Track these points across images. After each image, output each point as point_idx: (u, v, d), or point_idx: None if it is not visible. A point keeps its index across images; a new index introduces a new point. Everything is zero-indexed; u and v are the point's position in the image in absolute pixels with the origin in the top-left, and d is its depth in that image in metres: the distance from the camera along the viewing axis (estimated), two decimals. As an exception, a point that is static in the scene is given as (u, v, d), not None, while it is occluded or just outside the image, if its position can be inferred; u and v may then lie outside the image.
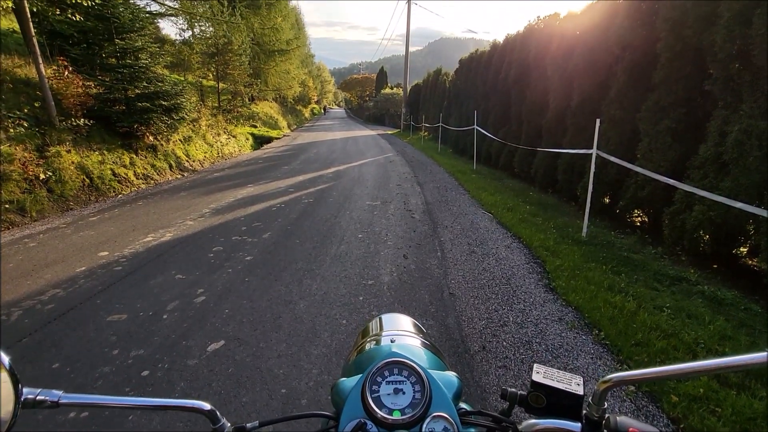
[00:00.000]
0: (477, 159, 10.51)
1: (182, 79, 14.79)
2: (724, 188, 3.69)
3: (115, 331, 2.77)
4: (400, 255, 4.18)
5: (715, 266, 4.14)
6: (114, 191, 7.57)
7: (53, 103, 7.25)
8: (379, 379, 0.62)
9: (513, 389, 0.60)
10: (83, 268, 3.87)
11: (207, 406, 0.52)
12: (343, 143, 16.96)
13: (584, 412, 0.51)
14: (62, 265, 3.93)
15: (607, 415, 0.48)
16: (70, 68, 7.98)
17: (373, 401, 0.59)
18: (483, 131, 9.66)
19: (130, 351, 2.54)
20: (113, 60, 8.80)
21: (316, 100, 56.33)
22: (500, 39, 10.52)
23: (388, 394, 0.60)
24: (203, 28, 16.97)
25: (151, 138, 9.67)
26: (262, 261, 4.00)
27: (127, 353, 2.52)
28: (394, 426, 0.56)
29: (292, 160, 11.86)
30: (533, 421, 0.52)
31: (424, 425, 0.56)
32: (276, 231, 4.98)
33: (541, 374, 0.57)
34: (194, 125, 12.69)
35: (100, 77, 8.43)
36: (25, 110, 6.94)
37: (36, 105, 7.27)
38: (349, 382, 0.65)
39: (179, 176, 9.56)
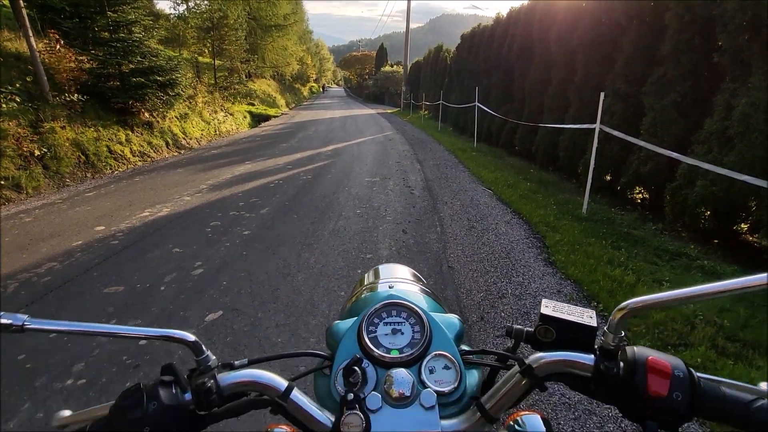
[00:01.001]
0: (477, 137, 10.37)
1: (177, 54, 14.45)
2: (728, 163, 3.63)
3: (112, 302, 2.76)
4: (399, 230, 4.15)
5: (715, 242, 4.12)
6: (110, 168, 7.49)
7: (45, 78, 7.08)
8: (376, 320, 0.59)
9: (519, 326, 0.55)
10: (80, 242, 3.84)
11: (191, 336, 0.48)
12: (342, 122, 16.73)
13: (598, 344, 0.47)
14: (58, 239, 3.91)
15: (623, 344, 0.44)
16: (62, 42, 7.76)
17: (370, 341, 0.56)
18: (484, 108, 9.50)
19: (128, 321, 2.54)
20: (106, 34, 8.55)
21: (314, 78, 55.37)
22: (503, 12, 10.23)
23: (386, 335, 0.57)
24: (198, 1, 16.47)
25: (146, 114, 9.51)
26: (259, 235, 3.98)
27: (124, 324, 2.51)
28: (392, 364, 0.53)
29: (291, 138, 11.71)
30: (542, 354, 0.48)
31: (424, 363, 0.54)
32: (274, 207, 4.94)
33: (550, 308, 0.52)
34: (190, 102, 12.48)
35: (93, 51, 8.21)
36: (17, 85, 6.78)
37: (28, 80, 7.10)
38: (345, 324, 0.62)
39: (176, 153, 9.45)
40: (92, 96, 8.04)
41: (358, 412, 0.47)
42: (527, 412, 0.70)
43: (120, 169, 7.57)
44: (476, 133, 10.30)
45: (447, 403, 0.51)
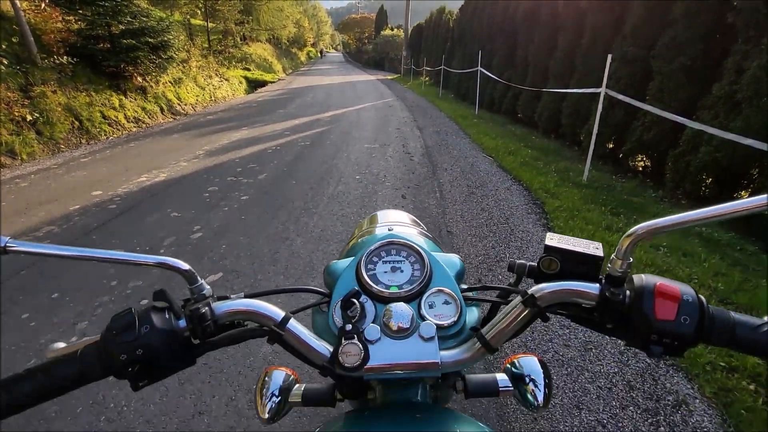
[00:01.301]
0: (479, 104, 10.15)
1: (168, 15, 13.87)
2: (734, 128, 3.56)
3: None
4: (398, 195, 4.13)
5: (715, 208, 4.11)
6: (105, 134, 7.35)
7: (32, 39, 6.81)
8: (375, 258, 0.58)
9: (522, 260, 0.54)
10: (77, 206, 3.82)
11: (185, 265, 0.47)
12: (341, 88, 16.32)
13: (604, 272, 0.45)
14: (55, 204, 3.89)
15: (629, 272, 0.43)
16: (47, 0, 7.42)
17: (369, 277, 0.55)
18: (487, 73, 9.24)
19: (129, 282, 2.56)
20: (93, -9, 8.16)
21: (312, 42, 53.57)
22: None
23: (385, 272, 0.57)
24: (188, -43, 15.65)
25: (139, 79, 9.25)
26: (258, 200, 3.95)
27: (125, 284, 2.54)
28: (390, 299, 0.52)
29: (288, 104, 11.46)
30: (545, 284, 0.46)
31: (424, 298, 0.53)
32: (272, 172, 4.89)
33: (555, 240, 0.51)
34: (184, 66, 12.11)
35: (80, 11, 7.86)
36: (4, 46, 6.53)
37: (14, 41, 6.84)
38: (343, 263, 0.62)
39: (171, 119, 9.27)
40: (82, 59, 7.77)
41: (357, 342, 0.46)
42: (524, 355, 0.70)
43: (115, 135, 7.44)
44: (478, 100, 10.07)
45: (446, 336, 0.51)
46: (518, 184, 4.60)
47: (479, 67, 9.53)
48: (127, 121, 8.34)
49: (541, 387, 0.65)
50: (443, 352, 0.49)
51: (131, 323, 0.42)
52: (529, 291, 0.47)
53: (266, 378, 0.72)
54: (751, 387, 1.80)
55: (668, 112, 3.89)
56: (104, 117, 7.78)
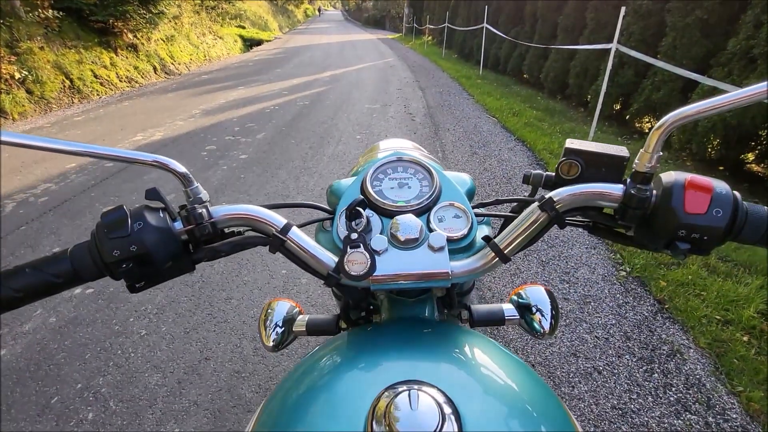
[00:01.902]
0: (484, 64, 9.81)
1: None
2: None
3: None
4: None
5: (721, 168, 4.07)
6: (97, 93, 7.15)
7: (14, -12, 6.47)
8: (381, 176, 0.55)
9: (538, 170, 0.51)
10: (73, 164, 3.77)
11: (180, 167, 0.45)
12: (340, 47, 15.73)
13: (631, 170, 0.42)
14: (51, 162, 3.83)
15: (658, 170, 0.40)
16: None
17: (375, 192, 0.52)
18: (493, 30, 8.86)
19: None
20: (74, -64, 7.66)
21: (309, -1, 51.14)
22: None
23: (392, 188, 0.54)
24: None
25: (129, 35, 8.89)
26: (257, 159, 3.89)
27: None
28: (398, 213, 0.50)
29: (285, 63, 11.08)
30: (564, 188, 0.43)
31: (433, 211, 0.51)
32: (270, 131, 4.78)
33: (576, 144, 0.48)
34: (176, 23, 11.62)
35: (62, -41, 7.41)
36: (-17, -3, 6.21)
37: (-5, -9, 6.49)
38: (347, 181, 0.59)
39: (164, 79, 9.00)
40: (69, 13, 7.42)
41: (363, 251, 0.44)
42: (531, 285, 0.71)
43: (107, 95, 7.24)
44: (482, 59, 9.72)
45: (457, 250, 0.49)
46: (522, 144, 4.51)
47: (485, 24, 9.13)
48: (120, 81, 8.09)
49: (548, 316, 0.66)
50: (454, 263, 0.47)
51: (123, 219, 0.40)
52: (547, 195, 0.44)
53: (269, 309, 0.72)
54: (745, 338, 1.84)
55: (680, 69, 3.76)
56: (96, 76, 7.54)
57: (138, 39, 9.20)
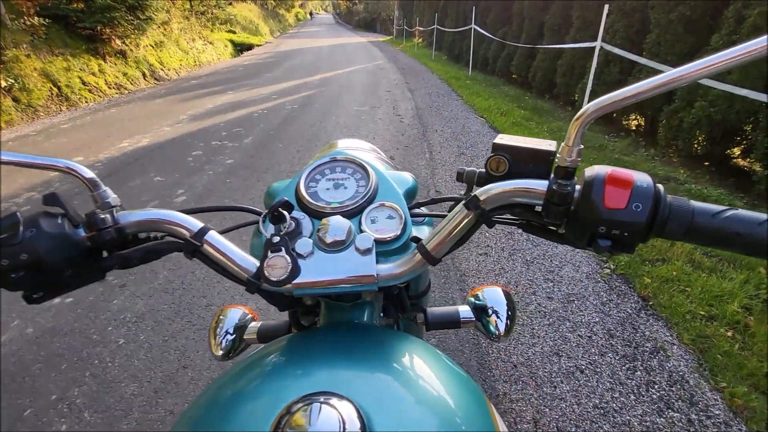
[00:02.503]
0: (473, 65, 9.84)
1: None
2: (730, 80, 3.48)
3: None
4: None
5: (706, 164, 4.10)
6: (85, 101, 7.09)
7: (-1, -2, 6.41)
8: (318, 176, 0.54)
9: (472, 168, 0.49)
10: (56, 173, 3.72)
11: (88, 172, 0.43)
12: (331, 50, 15.74)
13: (555, 165, 0.40)
14: (34, 170, 3.77)
15: (580, 164, 0.38)
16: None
17: (308, 195, 0.51)
18: (481, 30, 8.90)
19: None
20: (59, -57, 7.61)
21: (300, 3, 51.20)
22: None
23: (327, 189, 0.52)
24: None
25: (118, 42, 8.83)
26: (244, 164, 3.87)
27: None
28: (330, 215, 0.48)
29: (276, 67, 11.06)
30: (490, 185, 0.42)
31: (365, 213, 0.49)
32: (258, 136, 4.76)
33: (505, 139, 0.46)
34: (165, 29, 11.56)
35: (48, -34, 7.36)
36: (-33, 5, 6.15)
37: (-22, -1, 6.43)
38: (283, 183, 0.57)
39: (154, 85, 8.95)
40: (56, 20, 7.37)
41: (284, 255, 0.42)
42: (489, 286, 0.71)
43: (95, 102, 7.18)
44: (471, 60, 9.75)
45: (389, 252, 0.47)
46: (510, 144, 4.52)
47: (473, 25, 9.17)
48: (108, 87, 8.03)
49: (504, 317, 0.66)
50: (381, 266, 0.45)
51: (14, 226, 0.38)
52: (473, 192, 0.43)
53: (221, 316, 0.70)
54: (729, 334, 1.84)
55: (664, 65, 3.78)
56: (84, 83, 7.48)
57: (126, 45, 9.15)
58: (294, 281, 0.43)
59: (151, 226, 0.45)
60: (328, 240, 0.45)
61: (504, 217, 0.46)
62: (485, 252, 2.46)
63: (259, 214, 0.55)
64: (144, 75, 9.35)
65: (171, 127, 5.20)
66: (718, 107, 3.68)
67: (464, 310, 0.67)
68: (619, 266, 2.30)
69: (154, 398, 1.50)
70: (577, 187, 0.39)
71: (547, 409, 1.48)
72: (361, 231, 0.47)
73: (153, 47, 10.55)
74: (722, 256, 2.44)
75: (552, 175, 0.40)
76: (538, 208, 0.41)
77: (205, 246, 0.44)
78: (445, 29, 12.61)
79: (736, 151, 4.19)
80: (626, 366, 1.66)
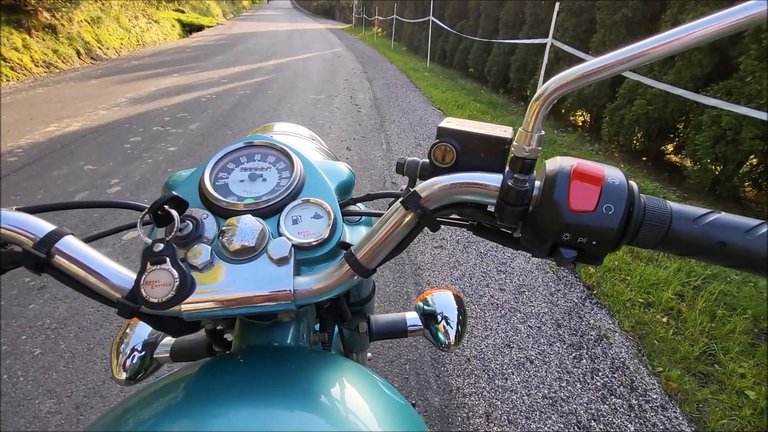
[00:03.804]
0: (431, 57, 9.88)
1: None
2: (666, 81, 3.70)
3: None
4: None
5: (644, 159, 4.36)
6: (6, 78, 6.33)
7: None
8: (231, 165, 0.44)
9: (414, 157, 0.41)
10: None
11: None
12: (288, 35, 15.18)
13: (510, 156, 0.33)
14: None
15: (541, 155, 0.33)
16: None
17: (215, 188, 0.41)
18: (439, 22, 8.93)
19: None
20: None
21: (255, -15, 49.02)
22: None
23: (241, 181, 0.43)
24: None
25: (46, 14, 7.97)
26: (188, 152, 3.61)
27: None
28: (242, 214, 0.39)
29: (227, 50, 10.49)
30: (432, 179, 0.34)
31: (285, 211, 0.40)
32: (205, 122, 4.47)
33: (453, 123, 0.38)
34: (103, 3, 10.60)
35: None
36: None
37: None
38: (188, 172, 0.46)
39: (90, 64, 8.18)
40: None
41: (169, 267, 0.34)
42: (439, 290, 0.65)
43: (19, 80, 6.44)
44: (429, 52, 9.78)
45: (314, 260, 0.39)
46: (466, 136, 4.57)
47: (431, 17, 9.17)
48: (36, 65, 7.24)
49: (454, 324, 0.61)
50: (300, 279, 0.37)
51: None
52: (412, 188, 0.35)
53: (127, 330, 0.59)
54: (664, 320, 1.95)
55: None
56: (5, 59, 6.68)
57: (57, 19, 8.28)
58: (184, 301, 0.34)
59: None
60: (234, 246, 0.36)
61: (450, 218, 0.39)
62: (440, 245, 2.45)
63: (140, 209, 0.43)
64: (78, 53, 8.52)
65: (107, 110, 4.75)
66: (655, 106, 3.92)
67: (412, 317, 0.62)
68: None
69: (74, 415, 1.33)
70: (537, 183, 0.33)
71: (499, 402, 1.48)
72: (280, 234, 0.39)
73: (89, 23, 9.64)
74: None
75: (507, 168, 0.33)
76: (491, 208, 0.34)
77: (57, 257, 0.34)
78: (404, 20, 12.56)
79: (670, 147, 4.50)
80: (573, 355, 1.71)
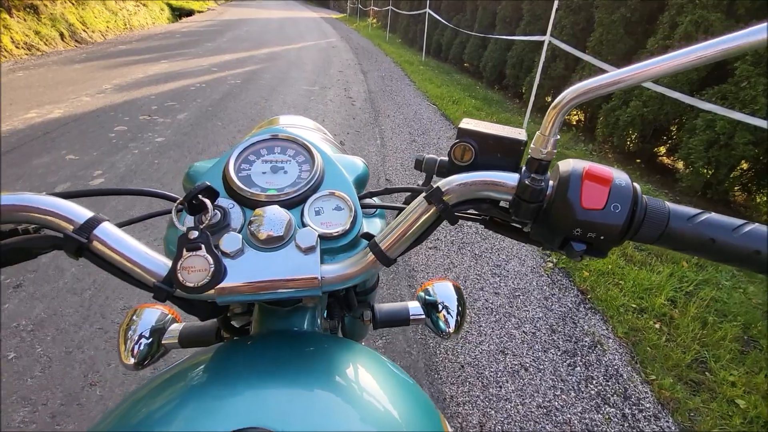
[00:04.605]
0: (427, 51, 9.77)
1: None
2: (662, 84, 3.69)
3: None
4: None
5: (638, 161, 4.37)
6: (-17, 59, 6.08)
7: None
8: (252, 157, 0.46)
9: (432, 155, 0.44)
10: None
11: None
12: (281, 23, 14.89)
13: (527, 156, 0.36)
14: None
15: (555, 157, 0.34)
16: None
17: (239, 179, 0.43)
18: (435, 15, 8.82)
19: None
20: None
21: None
22: None
23: (263, 173, 0.45)
24: None
25: (26, -7, 7.65)
26: (176, 142, 3.50)
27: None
28: (267, 204, 0.41)
29: (218, 36, 10.23)
30: (454, 176, 0.37)
31: (309, 202, 0.42)
32: (194, 112, 4.34)
33: (471, 124, 0.41)
34: (87, -17, 10.22)
35: None
36: None
37: None
38: (208, 163, 0.48)
39: (74, 47, 7.91)
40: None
41: (205, 254, 0.35)
42: (439, 280, 0.68)
43: (-3, 61, 6.19)
44: (425, 46, 9.67)
45: (336, 249, 0.41)
46: (460, 133, 4.52)
47: (427, 9, 9.05)
48: (16, 47, 6.96)
49: (454, 313, 0.64)
50: (326, 266, 0.39)
51: None
52: (435, 184, 0.38)
53: (134, 317, 0.60)
54: (657, 326, 1.95)
55: (606, 64, 3.93)
56: (-18, 39, 6.42)
57: (38, -1, 7.96)
58: (218, 286, 0.36)
59: (19, 216, 0.35)
60: (263, 235, 0.37)
61: (467, 213, 0.43)
62: (434, 246, 2.42)
63: (174, 200, 0.45)
64: (62, 35, 8.22)
65: (91, 97, 4.58)
66: (650, 108, 3.91)
67: (414, 307, 0.64)
68: (561, 260, 2.36)
69: (50, 425, 1.27)
70: (551, 183, 0.36)
71: (493, 411, 1.46)
72: (303, 224, 0.41)
73: (73, 4, 9.30)
74: (651, 251, 2.59)
75: (524, 168, 0.36)
76: (505, 204, 0.38)
77: (95, 243, 0.35)
78: (400, 11, 12.39)
79: (662, 149, 4.52)
80: (567, 362, 1.69)
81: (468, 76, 8.15)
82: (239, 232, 0.39)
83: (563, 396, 1.54)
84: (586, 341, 1.81)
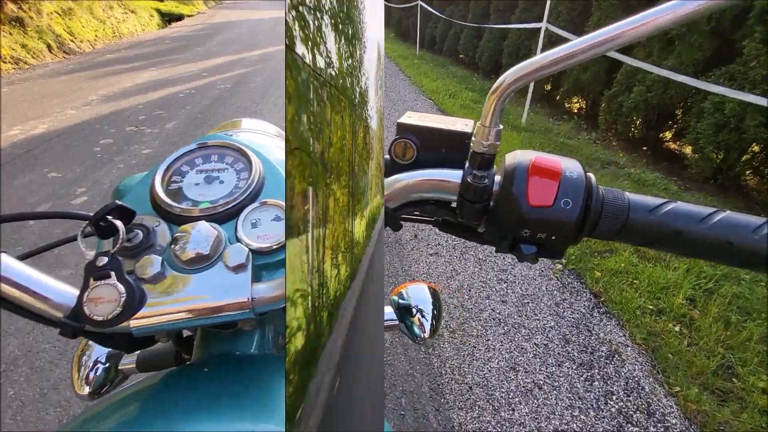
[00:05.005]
0: (420, 44, 9.60)
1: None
2: (666, 66, 3.54)
3: None
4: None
5: (644, 148, 4.23)
6: (-32, 76, 5.97)
7: None
8: (185, 168, 0.41)
9: None
10: None
11: None
12: (272, 23, 14.71)
13: (470, 150, 0.34)
14: None
15: (500, 149, 0.32)
16: None
17: (167, 194, 0.38)
18: (427, 7, 8.65)
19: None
20: None
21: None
22: None
23: (196, 185, 0.40)
24: None
25: (11, 6, 7.53)
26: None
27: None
28: (197, 220, 0.36)
29: (208, 40, 10.09)
30: (394, 177, 0.35)
31: (243, 215, 0.37)
32: (183, 120, 4.21)
33: (413, 118, 0.37)
34: (73, -7, 10.08)
35: None
36: None
37: None
38: (137, 177, 0.47)
39: (62, 58, 7.78)
40: None
41: (115, 282, 0.31)
42: (414, 283, 0.64)
43: (-18, 77, 6.08)
44: (419, 39, 9.50)
45: (274, 264, 0.36)
46: (458, 128, 4.39)
47: (419, 2, 8.87)
48: (3, 62, 6.84)
49: (429, 317, 0.61)
50: (260, 285, 0.34)
51: None
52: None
53: (90, 342, 0.55)
54: (677, 329, 1.82)
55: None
56: (-31, 55, 6.31)
57: (24, 11, 7.83)
58: (135, 316, 0.31)
59: None
60: (187, 255, 0.33)
61: (414, 216, 0.40)
62: (436, 251, 2.29)
63: (83, 217, 0.39)
64: (50, 47, 8.09)
65: (76, 110, 4.46)
66: (654, 92, 3.77)
67: (387, 312, 0.60)
68: (571, 261, 2.23)
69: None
70: (497, 178, 0.34)
71: (506, 438, 1.34)
72: (238, 239, 0.36)
73: (60, 15, 9.17)
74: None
75: (467, 164, 0.35)
76: (455, 204, 0.36)
77: None
78: (392, 5, 12.20)
79: (668, 134, 4.37)
80: (584, 376, 1.57)
81: (464, 67, 7.99)
82: (163, 253, 0.35)
83: (582, 416, 1.41)
84: (602, 351, 1.69)
